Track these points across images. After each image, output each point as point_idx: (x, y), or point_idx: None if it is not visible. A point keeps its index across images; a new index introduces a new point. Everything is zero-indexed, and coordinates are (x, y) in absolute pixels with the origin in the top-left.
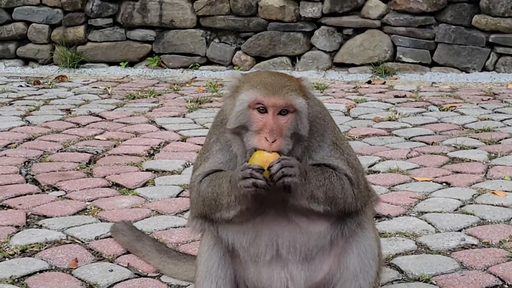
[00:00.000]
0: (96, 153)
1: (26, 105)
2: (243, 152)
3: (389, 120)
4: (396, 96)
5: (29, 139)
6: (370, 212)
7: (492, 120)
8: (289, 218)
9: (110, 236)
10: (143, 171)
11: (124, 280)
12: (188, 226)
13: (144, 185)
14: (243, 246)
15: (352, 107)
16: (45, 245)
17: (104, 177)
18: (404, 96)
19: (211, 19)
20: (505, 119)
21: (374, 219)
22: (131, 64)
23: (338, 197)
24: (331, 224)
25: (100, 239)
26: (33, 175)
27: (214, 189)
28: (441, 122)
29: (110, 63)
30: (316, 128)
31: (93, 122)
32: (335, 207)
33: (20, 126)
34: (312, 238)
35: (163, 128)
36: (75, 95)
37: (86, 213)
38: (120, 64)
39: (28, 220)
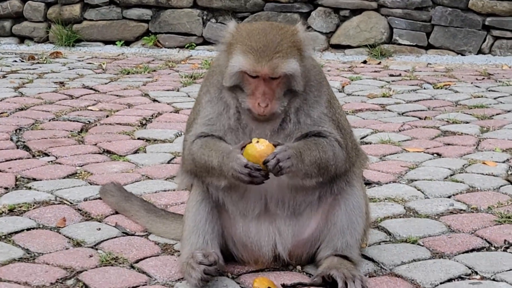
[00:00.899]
0: (88, 122)
1: (20, 78)
2: (237, 107)
3: (383, 96)
4: (391, 75)
5: (21, 109)
6: (359, 170)
7: (486, 97)
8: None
9: (99, 198)
10: (134, 139)
11: (112, 238)
12: (177, 179)
13: (136, 152)
14: (232, 200)
15: (347, 84)
16: (33, 205)
17: (96, 144)
18: (399, 75)
19: None
20: (498, 97)
21: (363, 181)
22: (127, 43)
23: (330, 164)
24: (320, 181)
25: (89, 200)
26: (24, 142)
27: (203, 157)
28: (435, 99)
29: (106, 42)
30: (313, 82)
31: (86, 94)
32: (327, 175)
33: (13, 97)
34: (300, 194)
35: (157, 101)
36: (69, 69)
37: (76, 177)
38: (116, 43)
39: (17, 182)
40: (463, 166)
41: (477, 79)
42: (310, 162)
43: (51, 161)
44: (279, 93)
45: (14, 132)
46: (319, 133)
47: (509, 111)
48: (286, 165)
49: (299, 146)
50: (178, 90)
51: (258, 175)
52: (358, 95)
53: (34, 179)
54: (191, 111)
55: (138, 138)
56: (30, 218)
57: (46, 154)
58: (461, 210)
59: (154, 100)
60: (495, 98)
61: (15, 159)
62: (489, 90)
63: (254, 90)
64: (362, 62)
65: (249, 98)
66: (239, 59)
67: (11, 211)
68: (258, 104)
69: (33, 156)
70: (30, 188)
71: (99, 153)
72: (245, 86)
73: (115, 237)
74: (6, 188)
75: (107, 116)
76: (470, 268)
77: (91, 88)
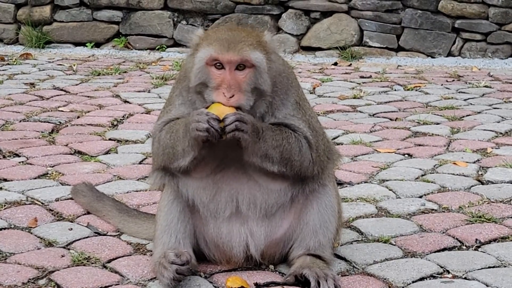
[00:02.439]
0: (59, 123)
1: None
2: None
3: (354, 98)
4: (361, 77)
5: None
6: (331, 170)
7: (456, 99)
8: (249, 175)
9: (70, 198)
10: (106, 140)
11: (84, 238)
12: (149, 179)
13: (107, 152)
14: (203, 201)
15: (318, 86)
16: (4, 205)
17: (67, 145)
18: (370, 77)
19: (179, 1)
20: (468, 99)
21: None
22: (98, 45)
23: (295, 159)
24: (292, 182)
25: (61, 200)
26: None
27: (172, 135)
28: (405, 100)
29: (77, 44)
30: (280, 85)
31: (57, 95)
32: (291, 169)
33: None
34: (272, 196)
35: (128, 102)
36: (39, 71)
37: (47, 177)
38: (87, 44)
39: None
40: (434, 166)
41: (447, 81)
42: (272, 145)
43: (22, 161)
44: (245, 87)
45: None
46: (287, 125)
47: (479, 113)
48: (241, 127)
49: (263, 125)
50: (149, 91)
51: (215, 125)
52: (329, 97)
53: (5, 180)
54: (161, 110)
55: (110, 139)
56: (1, 219)
57: (17, 155)
58: (433, 209)
59: (125, 101)
60: (465, 100)
61: None
62: (459, 92)
63: (220, 82)
64: (332, 64)
65: (214, 91)
66: (204, 50)
67: None
68: (223, 94)
69: (4, 156)
70: (1, 188)
71: (70, 154)
72: (211, 80)
73: (87, 237)
74: None
75: (78, 117)
76: (442, 267)
77: (61, 89)
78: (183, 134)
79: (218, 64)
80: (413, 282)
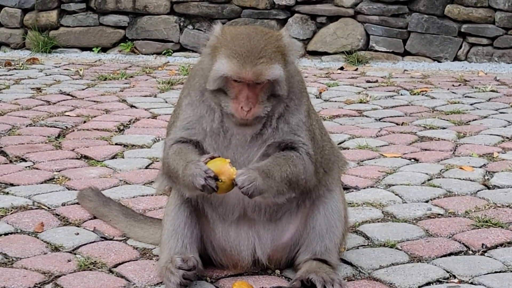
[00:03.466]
0: (65, 128)
1: None
2: (220, 112)
3: (360, 102)
4: (367, 81)
5: None
6: (337, 175)
7: (462, 103)
8: None
9: (77, 203)
10: (112, 145)
11: (90, 242)
12: (156, 182)
13: (113, 157)
14: (212, 205)
15: (324, 91)
16: (11, 210)
17: (73, 149)
18: (376, 81)
19: (185, 5)
20: (475, 103)
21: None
22: (104, 49)
23: (301, 178)
24: (292, 196)
25: (67, 205)
26: (1, 147)
27: (174, 163)
28: (412, 105)
29: (83, 48)
30: (296, 90)
31: (64, 100)
32: (298, 190)
33: None
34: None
35: (134, 107)
36: (46, 75)
37: (53, 182)
38: (93, 49)
39: None
40: (440, 171)
41: (453, 85)
42: (281, 178)
43: (29, 166)
44: (262, 97)
45: None
46: (292, 143)
47: (485, 117)
48: (251, 191)
49: (267, 164)
50: (155, 96)
51: (212, 183)
52: (336, 101)
53: (12, 184)
54: (171, 115)
55: (116, 144)
56: (7, 223)
57: (24, 160)
58: (439, 214)
59: (132, 106)
60: (471, 104)
61: None
62: (465, 96)
63: (237, 94)
64: (339, 69)
65: (232, 102)
66: (223, 63)
67: None
68: (241, 108)
69: (11, 161)
70: (7, 193)
71: (77, 159)
72: (229, 90)
73: (93, 242)
74: None
75: (85, 122)
76: (448, 272)
77: (68, 94)
78: (182, 174)
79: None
80: (419, 287)
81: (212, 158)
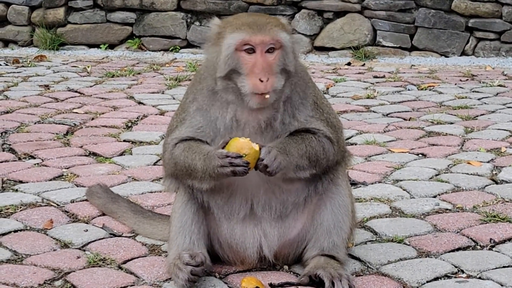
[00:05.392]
0: (73, 125)
1: (5, 81)
2: (240, 98)
3: (368, 98)
4: (375, 77)
5: (7, 112)
6: (344, 169)
7: (470, 98)
8: (265, 177)
9: (85, 200)
10: (120, 141)
11: (99, 239)
12: (163, 185)
13: (121, 154)
14: (218, 203)
15: (331, 86)
16: (20, 207)
17: (81, 146)
18: (383, 77)
19: (192, 2)
20: (482, 98)
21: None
22: (111, 46)
23: (321, 157)
24: (306, 182)
25: (76, 202)
26: (9, 145)
27: (187, 160)
28: (419, 100)
29: (90, 45)
30: (299, 84)
31: (72, 97)
32: (320, 168)
33: None
34: (289, 196)
35: (142, 103)
36: (54, 73)
37: (62, 179)
38: (100, 46)
39: (3, 185)
40: (448, 166)
41: (461, 80)
42: (299, 154)
43: (37, 163)
44: (276, 69)
45: (0, 135)
46: (307, 130)
47: (493, 112)
48: (275, 166)
49: (284, 142)
50: (163, 93)
51: (240, 163)
52: (343, 97)
53: (21, 182)
54: (173, 117)
55: (124, 140)
56: (17, 220)
57: (32, 157)
58: (447, 209)
59: (139, 103)
60: (479, 99)
61: (1, 162)
62: (473, 91)
63: (252, 67)
64: (346, 64)
65: (248, 79)
66: (232, 36)
67: None
68: (260, 80)
69: (19, 158)
70: (16, 190)
71: (85, 156)
72: (242, 67)
73: (102, 238)
74: None
75: (93, 119)
76: (456, 267)
77: (76, 91)
78: (202, 169)
79: (249, 48)
80: (427, 282)
81: (226, 143)
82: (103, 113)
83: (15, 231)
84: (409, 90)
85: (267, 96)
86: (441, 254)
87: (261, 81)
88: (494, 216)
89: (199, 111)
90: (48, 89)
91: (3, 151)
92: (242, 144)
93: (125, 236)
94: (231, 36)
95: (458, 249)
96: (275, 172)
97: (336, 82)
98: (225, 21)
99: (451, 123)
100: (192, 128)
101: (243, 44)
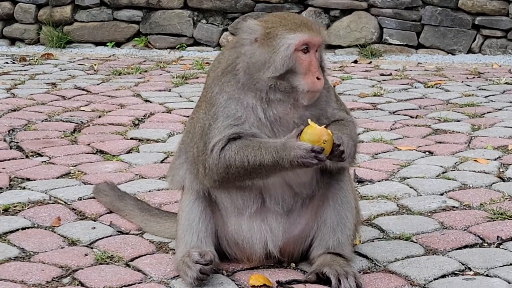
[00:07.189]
0: (80, 123)
1: (12, 79)
2: (288, 95)
3: (374, 95)
4: (381, 75)
5: (14, 110)
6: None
7: (476, 96)
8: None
9: (93, 197)
10: (127, 139)
11: (107, 237)
12: (168, 179)
13: (129, 152)
14: (231, 197)
15: (338, 84)
16: (28, 205)
17: (89, 144)
18: (390, 75)
19: (198, 0)
20: (489, 95)
21: (356, 183)
22: (118, 44)
23: (357, 141)
24: (311, 176)
25: (83, 199)
26: (17, 142)
27: (249, 158)
28: (426, 97)
29: (97, 43)
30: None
31: (79, 95)
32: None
33: (5, 98)
34: (303, 189)
35: (149, 101)
36: (61, 71)
37: (69, 177)
38: (107, 44)
39: (11, 182)
40: (455, 163)
41: (467, 78)
42: (353, 140)
43: (45, 161)
44: (319, 67)
45: (7, 133)
46: (336, 121)
47: (499, 109)
48: (349, 151)
49: (336, 129)
50: (170, 91)
51: (323, 157)
52: (350, 95)
53: (28, 179)
54: (198, 117)
55: (131, 138)
56: (25, 218)
57: (40, 155)
58: (454, 207)
59: (146, 101)
60: (485, 97)
61: (9, 160)
62: (479, 89)
63: (308, 66)
64: (352, 62)
65: (305, 78)
66: (290, 37)
67: (6, 210)
68: (317, 78)
69: (27, 156)
70: (24, 188)
71: (92, 153)
72: (299, 66)
73: (110, 236)
74: (0, 188)
75: (100, 117)
76: (463, 264)
77: (83, 89)
78: (273, 162)
79: (305, 48)
80: (434, 279)
81: (301, 131)
82: (110, 111)
83: (23, 228)
84: (415, 88)
85: (319, 93)
86: (448, 251)
87: (318, 79)
88: (501, 214)
89: (231, 100)
90: (55, 87)
91: (11, 149)
92: (321, 131)
93: (133, 234)
94: (291, 36)
95: (465, 246)
96: (348, 158)
97: (343, 80)
98: (267, 22)
99: (458, 121)
100: (230, 118)
101: (303, 44)
